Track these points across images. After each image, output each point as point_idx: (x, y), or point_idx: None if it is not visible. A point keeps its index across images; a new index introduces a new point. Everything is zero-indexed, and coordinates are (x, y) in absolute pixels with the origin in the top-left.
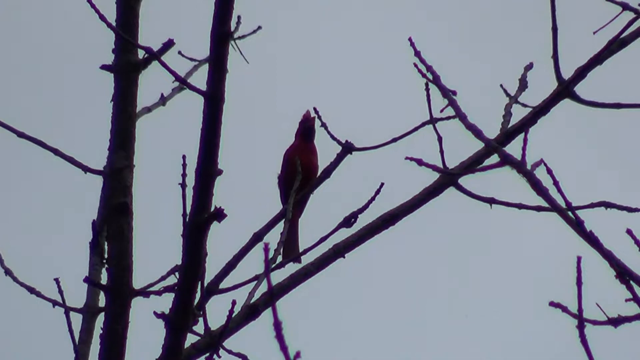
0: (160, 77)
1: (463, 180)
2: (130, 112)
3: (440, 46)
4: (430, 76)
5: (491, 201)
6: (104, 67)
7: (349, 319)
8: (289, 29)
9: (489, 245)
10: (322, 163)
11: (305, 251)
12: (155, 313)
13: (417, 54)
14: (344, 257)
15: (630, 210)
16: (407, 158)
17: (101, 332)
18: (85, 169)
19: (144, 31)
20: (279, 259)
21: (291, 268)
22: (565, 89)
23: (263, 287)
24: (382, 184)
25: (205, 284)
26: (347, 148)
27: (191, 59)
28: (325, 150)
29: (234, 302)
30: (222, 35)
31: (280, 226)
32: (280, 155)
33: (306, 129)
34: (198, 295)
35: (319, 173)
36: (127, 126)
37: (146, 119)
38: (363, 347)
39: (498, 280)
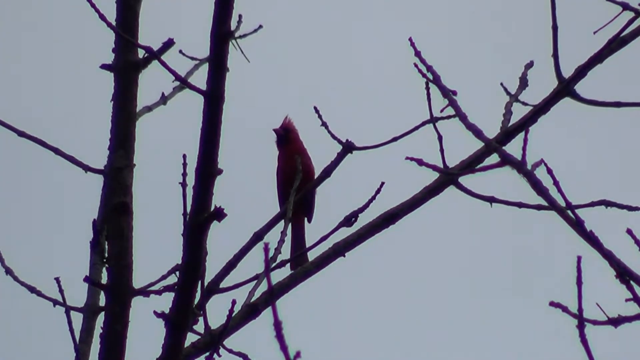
0: (161, 77)
1: (463, 180)
2: (130, 111)
3: (440, 46)
4: (430, 76)
5: (491, 200)
6: (104, 66)
7: (349, 318)
8: (290, 29)
9: (489, 244)
10: (323, 163)
11: (306, 250)
12: (155, 312)
13: (418, 54)
14: (344, 256)
15: (630, 209)
16: (407, 157)
17: (101, 331)
18: (86, 169)
19: (144, 30)
20: (280, 258)
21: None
22: (565, 88)
23: (263, 287)
24: (383, 183)
25: (206, 284)
26: (348, 147)
27: (192, 58)
28: (325, 150)
29: (234, 302)
30: (222, 34)
31: (280, 226)
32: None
33: (278, 137)
34: (198, 295)
35: (318, 173)
36: (127, 125)
37: (146, 119)
38: (363, 346)
39: (498, 279)
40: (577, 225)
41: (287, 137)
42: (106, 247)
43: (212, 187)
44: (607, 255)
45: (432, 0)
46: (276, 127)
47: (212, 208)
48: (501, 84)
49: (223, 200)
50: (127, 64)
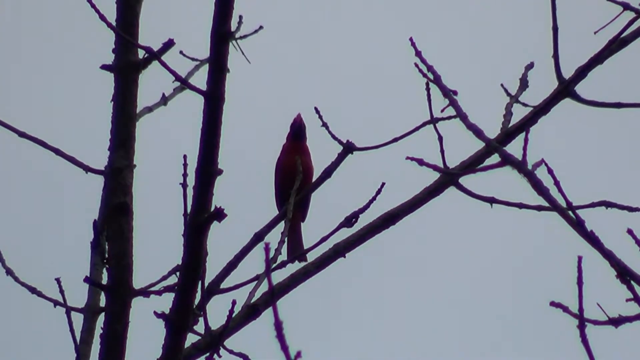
0: (161, 77)
1: (464, 180)
2: (130, 111)
3: (440, 46)
4: (431, 76)
5: (492, 201)
6: (104, 67)
7: (349, 318)
8: (290, 29)
9: (489, 245)
10: (323, 163)
11: (307, 250)
12: (155, 313)
13: (418, 53)
14: (345, 257)
15: (630, 209)
16: (407, 158)
17: (101, 331)
18: (86, 169)
19: (144, 31)
20: (280, 259)
21: (292, 268)
22: (565, 89)
23: (263, 287)
24: (383, 184)
25: (206, 284)
26: (348, 148)
27: (192, 59)
28: (326, 150)
29: (234, 302)
30: (222, 34)
31: (280, 226)
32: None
33: (295, 128)
34: (198, 295)
35: (318, 173)
36: (127, 126)
37: (147, 119)
38: (363, 346)
39: (498, 279)
40: (578, 225)
41: (302, 132)
42: (106, 247)
43: (212, 187)
44: (608, 256)
45: (433, 1)
46: (294, 120)
47: (212, 208)
48: (501, 85)
49: (223, 201)
50: (127, 65)
